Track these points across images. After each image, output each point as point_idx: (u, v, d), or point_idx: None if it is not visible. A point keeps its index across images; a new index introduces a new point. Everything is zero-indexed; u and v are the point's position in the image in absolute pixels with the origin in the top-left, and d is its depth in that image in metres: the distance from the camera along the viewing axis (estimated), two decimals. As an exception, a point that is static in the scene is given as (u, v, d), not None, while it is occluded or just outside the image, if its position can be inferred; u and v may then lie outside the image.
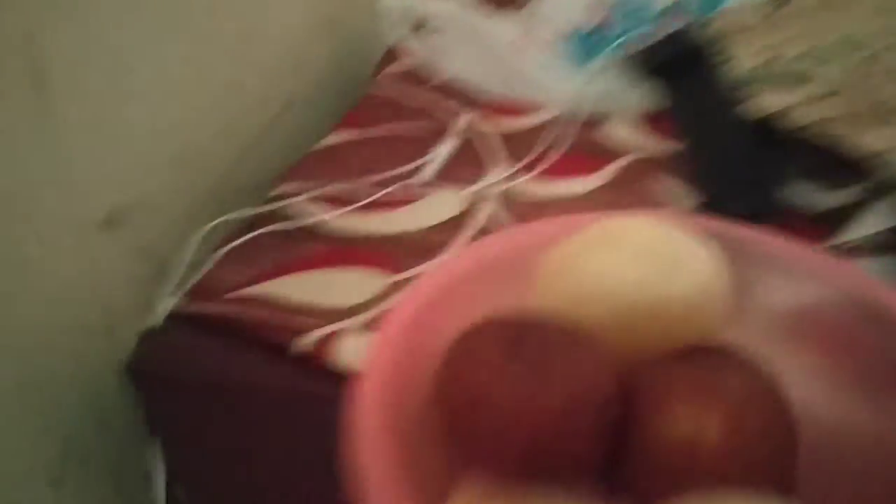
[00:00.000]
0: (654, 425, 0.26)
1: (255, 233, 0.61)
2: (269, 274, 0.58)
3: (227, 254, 0.60)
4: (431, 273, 0.33)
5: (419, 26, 0.80)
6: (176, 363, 0.55)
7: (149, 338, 0.57)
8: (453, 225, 0.61)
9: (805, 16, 0.66)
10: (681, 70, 0.60)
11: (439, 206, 0.63)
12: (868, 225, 0.51)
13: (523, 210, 0.62)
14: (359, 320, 0.53)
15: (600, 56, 0.71)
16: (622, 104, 0.69)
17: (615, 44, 0.71)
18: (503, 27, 0.76)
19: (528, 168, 0.66)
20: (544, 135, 0.69)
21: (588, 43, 0.74)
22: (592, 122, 0.70)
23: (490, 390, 0.25)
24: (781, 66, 0.57)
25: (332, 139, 0.73)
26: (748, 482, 0.24)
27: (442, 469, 0.27)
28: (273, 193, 0.66)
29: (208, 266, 0.59)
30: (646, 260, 0.28)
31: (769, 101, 0.58)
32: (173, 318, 0.57)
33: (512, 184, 0.64)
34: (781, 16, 0.67)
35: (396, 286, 0.55)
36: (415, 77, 0.79)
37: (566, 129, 0.68)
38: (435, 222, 0.61)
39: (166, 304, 0.58)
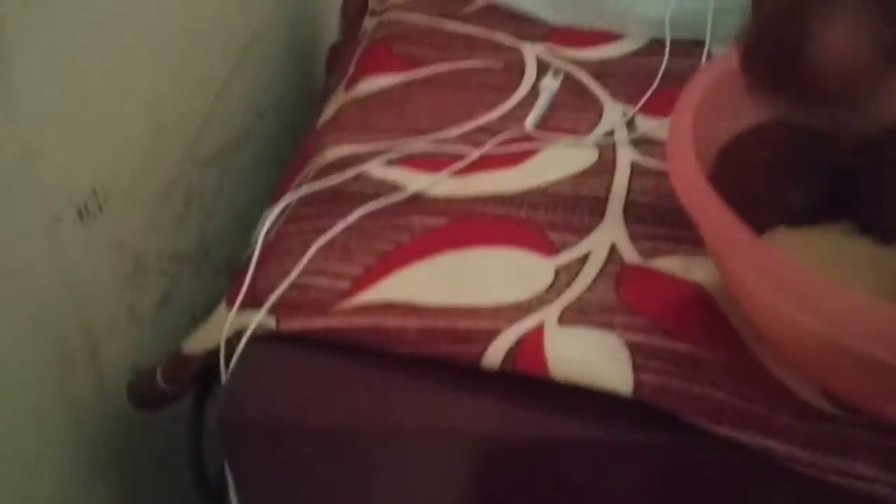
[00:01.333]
0: None
1: (352, 218, 0.44)
2: (384, 268, 0.42)
3: (318, 250, 0.43)
4: (693, 84, 0.40)
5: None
6: (292, 406, 0.38)
7: (211, 369, 0.40)
8: (590, 177, 0.47)
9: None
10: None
11: (568, 154, 0.48)
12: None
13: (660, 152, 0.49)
14: (547, 315, 0.39)
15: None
16: (723, 25, 0.57)
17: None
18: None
19: (645, 106, 0.53)
20: (655, 57, 0.56)
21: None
22: (688, 49, 0.58)
23: (746, 173, 0.37)
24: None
25: (369, 85, 0.56)
26: None
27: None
28: (327, 160, 0.49)
29: (298, 266, 0.42)
30: None
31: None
32: (261, 341, 0.40)
33: (640, 125, 0.51)
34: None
35: (562, 272, 0.41)
36: (442, 4, 0.64)
37: (667, 58, 0.56)
38: (572, 173, 0.47)
39: (240, 321, 0.41)
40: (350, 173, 0.47)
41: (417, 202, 0.46)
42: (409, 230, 0.44)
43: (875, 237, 0.34)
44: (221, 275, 0.64)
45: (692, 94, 0.40)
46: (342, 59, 0.65)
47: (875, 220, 0.35)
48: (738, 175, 0.38)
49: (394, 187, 0.47)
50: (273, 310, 0.40)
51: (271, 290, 0.41)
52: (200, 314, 0.47)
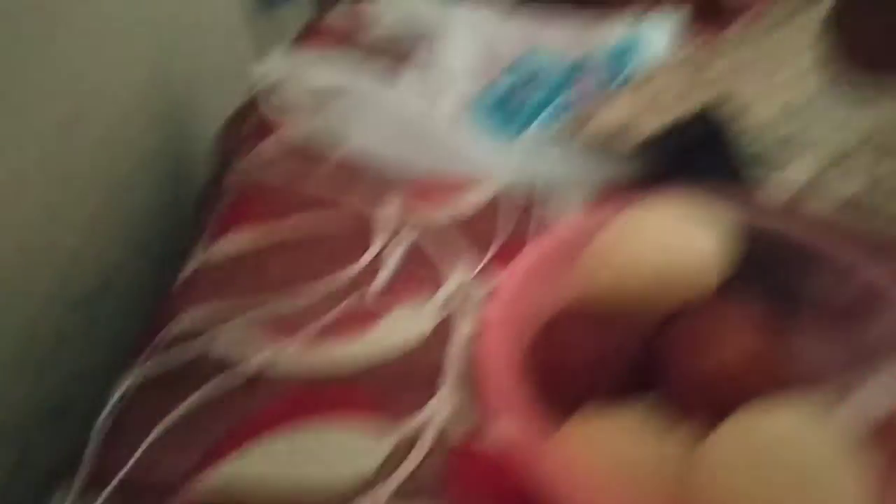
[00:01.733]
0: (701, 356, 0.37)
1: (193, 398, 0.45)
2: (226, 448, 0.43)
3: (160, 434, 0.43)
4: (515, 265, 0.43)
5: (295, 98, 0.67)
6: None
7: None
8: (429, 345, 0.49)
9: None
10: (700, 152, 0.53)
11: (407, 323, 0.50)
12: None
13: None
14: (384, 492, 0.40)
15: (529, 126, 0.63)
16: (571, 179, 0.60)
17: (545, 112, 0.63)
18: (403, 93, 0.65)
19: (491, 264, 0.55)
20: (492, 220, 0.59)
21: (501, 111, 0.66)
22: (537, 201, 0.61)
23: (559, 355, 0.39)
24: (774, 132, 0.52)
25: (225, 246, 0.58)
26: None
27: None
28: (176, 330, 0.50)
29: (137, 450, 0.42)
30: (662, 244, 0.40)
31: (793, 175, 0.52)
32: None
33: (484, 283, 0.54)
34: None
35: (395, 450, 0.43)
36: (301, 156, 0.66)
37: (516, 213, 0.59)
38: (409, 344, 0.49)
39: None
40: (196, 347, 0.48)
41: (260, 379, 0.47)
42: (250, 409, 0.45)
43: (673, 413, 0.36)
44: (83, 431, 0.64)
45: (519, 265, 0.42)
46: (208, 208, 0.67)
47: (670, 396, 0.37)
48: (554, 350, 0.40)
49: (238, 361, 0.48)
50: (113, 497, 0.41)
51: (112, 476, 0.41)
52: (60, 477, 0.46)
